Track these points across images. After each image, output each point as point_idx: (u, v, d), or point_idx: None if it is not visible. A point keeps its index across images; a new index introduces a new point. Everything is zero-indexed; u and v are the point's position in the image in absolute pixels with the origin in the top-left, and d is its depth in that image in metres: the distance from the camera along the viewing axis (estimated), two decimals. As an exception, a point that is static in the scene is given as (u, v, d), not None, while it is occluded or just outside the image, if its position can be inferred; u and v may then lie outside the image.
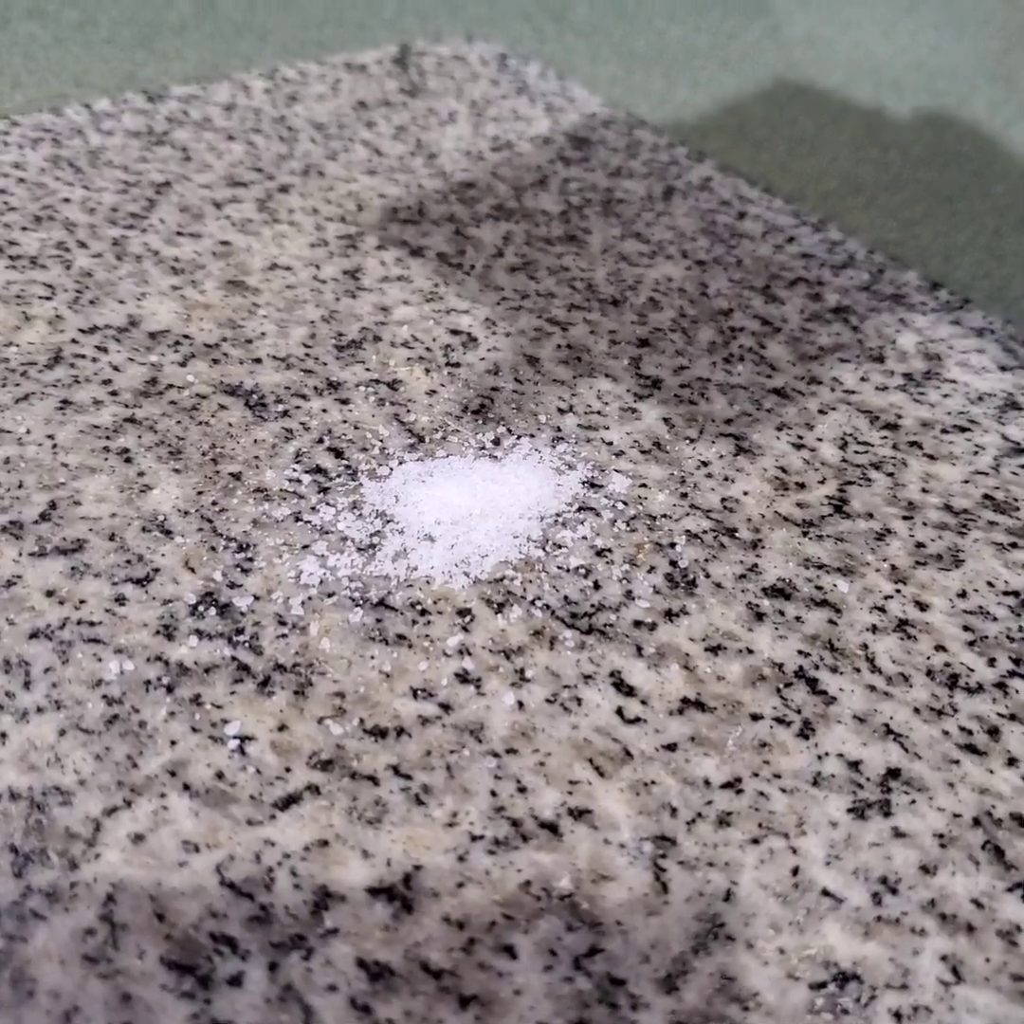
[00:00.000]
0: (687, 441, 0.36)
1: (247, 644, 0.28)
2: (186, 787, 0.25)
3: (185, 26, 0.61)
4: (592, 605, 0.30)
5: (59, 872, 0.23)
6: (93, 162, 0.47)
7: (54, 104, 0.51)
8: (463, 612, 0.29)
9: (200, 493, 0.32)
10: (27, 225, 0.42)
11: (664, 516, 0.33)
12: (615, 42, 0.65)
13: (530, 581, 0.30)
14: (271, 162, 0.48)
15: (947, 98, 0.62)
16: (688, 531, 0.32)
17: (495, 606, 0.30)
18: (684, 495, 0.34)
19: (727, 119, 0.57)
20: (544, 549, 0.31)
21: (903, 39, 0.69)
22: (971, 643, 0.30)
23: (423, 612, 0.29)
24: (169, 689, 0.27)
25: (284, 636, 0.28)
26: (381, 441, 0.34)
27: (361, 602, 0.29)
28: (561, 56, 0.62)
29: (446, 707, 0.27)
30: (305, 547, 0.31)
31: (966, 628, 0.31)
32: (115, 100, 0.52)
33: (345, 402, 0.36)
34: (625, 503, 0.33)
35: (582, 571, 0.31)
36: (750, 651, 0.29)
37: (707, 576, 0.31)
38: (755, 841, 0.25)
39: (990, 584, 0.32)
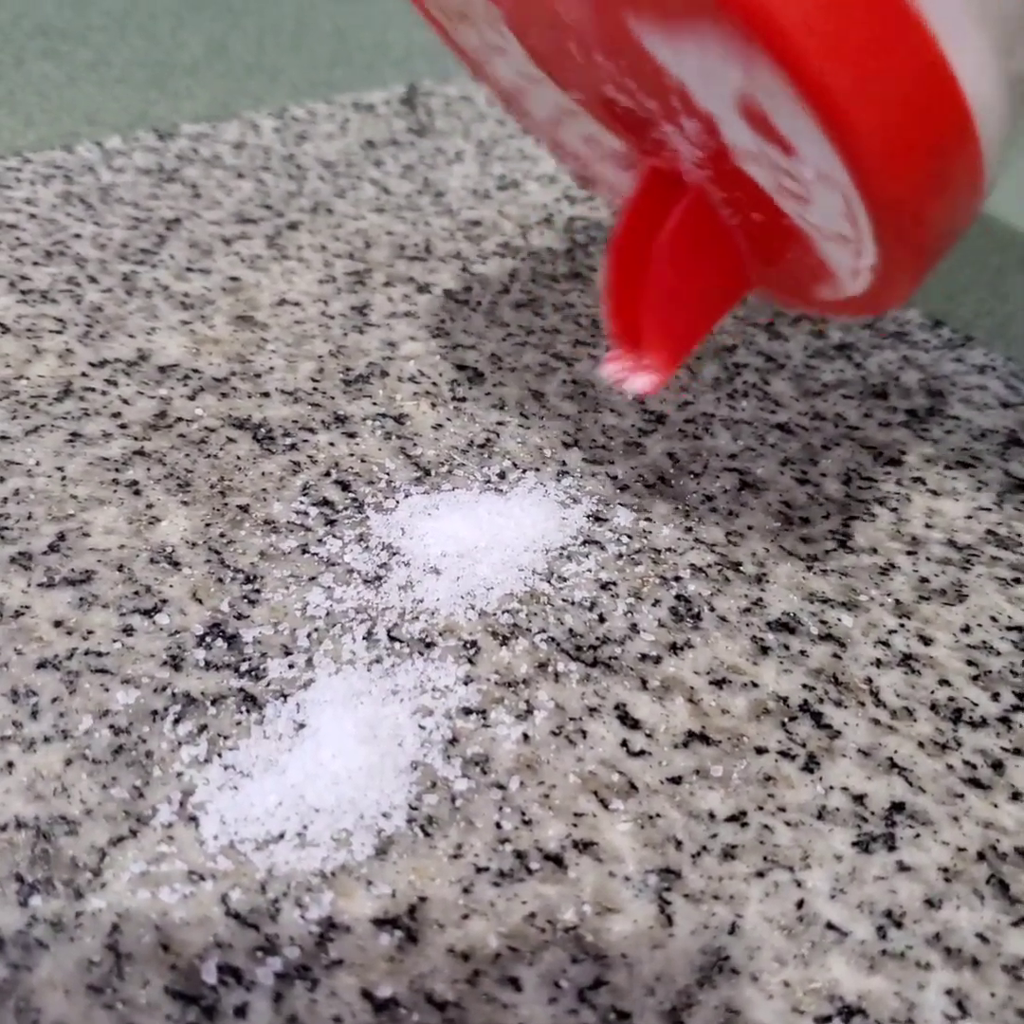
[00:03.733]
0: (691, 475, 0.36)
1: (253, 675, 0.28)
2: (192, 818, 0.25)
3: (196, 66, 0.61)
4: (597, 638, 0.30)
5: (64, 902, 0.23)
6: (104, 199, 0.47)
7: (66, 142, 0.52)
8: (468, 644, 0.30)
9: (208, 525, 0.32)
10: (38, 260, 0.43)
11: (669, 550, 0.33)
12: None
13: (535, 614, 0.31)
14: (280, 199, 0.49)
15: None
16: (693, 565, 0.33)
17: (500, 638, 0.30)
18: (688, 529, 0.34)
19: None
20: (549, 582, 0.32)
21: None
22: (975, 677, 0.30)
23: (429, 644, 0.29)
24: (176, 719, 0.27)
25: (291, 667, 0.28)
26: (388, 474, 0.35)
27: (367, 634, 0.29)
28: (567, 97, 0.63)
29: (452, 740, 0.27)
30: (312, 579, 0.31)
31: (970, 662, 0.31)
32: (126, 138, 0.52)
33: (352, 436, 0.36)
34: (630, 537, 0.33)
35: (587, 604, 0.31)
36: (755, 685, 0.29)
37: (712, 610, 0.31)
38: (760, 874, 0.25)
39: (993, 619, 0.32)
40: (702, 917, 0.24)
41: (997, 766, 0.28)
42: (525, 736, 0.27)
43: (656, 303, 0.30)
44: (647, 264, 0.30)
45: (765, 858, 0.25)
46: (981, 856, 0.26)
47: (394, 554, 0.32)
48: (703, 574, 0.32)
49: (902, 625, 0.32)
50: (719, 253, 0.30)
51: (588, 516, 0.34)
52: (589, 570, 0.32)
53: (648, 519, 0.34)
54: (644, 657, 0.30)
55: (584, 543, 0.33)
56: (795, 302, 0.33)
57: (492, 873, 0.25)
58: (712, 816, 0.26)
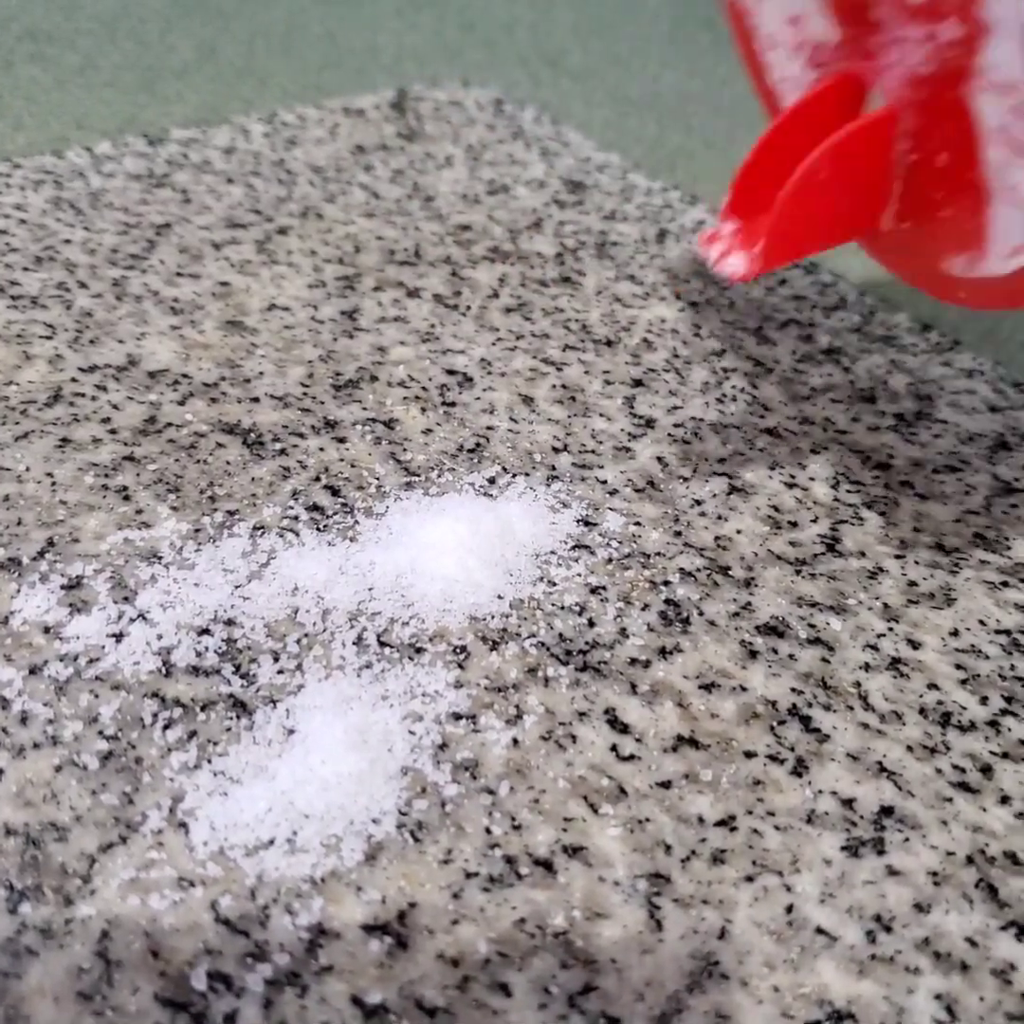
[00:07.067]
0: (681, 480, 0.36)
1: (243, 681, 0.28)
2: (182, 824, 0.25)
3: (186, 70, 0.61)
4: (586, 643, 0.30)
5: (54, 908, 0.23)
6: (94, 204, 0.47)
7: (56, 147, 0.52)
8: (458, 649, 0.30)
9: (197, 530, 0.32)
10: (28, 266, 0.43)
11: (658, 554, 0.33)
12: (609, 88, 0.66)
13: (525, 618, 0.31)
14: (270, 204, 0.49)
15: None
16: (682, 569, 0.33)
17: (490, 643, 0.30)
18: (677, 533, 0.34)
19: (719, 164, 0.58)
20: (539, 587, 0.32)
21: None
22: (963, 681, 0.30)
23: (418, 649, 0.29)
24: (166, 726, 0.27)
25: (280, 672, 0.28)
26: (377, 479, 0.35)
27: (357, 639, 0.29)
28: (556, 101, 0.63)
29: (442, 746, 0.27)
30: (300, 584, 0.31)
31: (958, 666, 0.31)
32: (116, 143, 0.52)
33: (342, 441, 0.36)
34: (619, 541, 0.33)
35: (576, 609, 0.31)
36: (744, 689, 0.30)
37: (701, 614, 0.31)
38: (749, 879, 0.25)
39: (982, 622, 0.32)
40: (691, 922, 0.24)
41: (986, 770, 0.28)
42: (515, 741, 0.28)
43: (790, 197, 0.29)
44: (794, 161, 0.29)
45: (754, 863, 0.26)
46: (970, 860, 0.26)
47: (383, 560, 0.32)
48: (692, 578, 0.33)
49: (890, 629, 0.32)
50: (871, 183, 0.30)
51: (577, 521, 0.34)
52: (578, 575, 0.32)
53: (637, 523, 0.34)
54: (633, 661, 0.30)
55: (573, 548, 0.33)
56: (908, 271, 0.32)
57: (482, 878, 0.25)
58: (701, 820, 0.26)
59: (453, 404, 0.38)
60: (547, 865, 0.25)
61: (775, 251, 0.30)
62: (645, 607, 0.31)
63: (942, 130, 0.27)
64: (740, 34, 0.34)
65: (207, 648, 0.29)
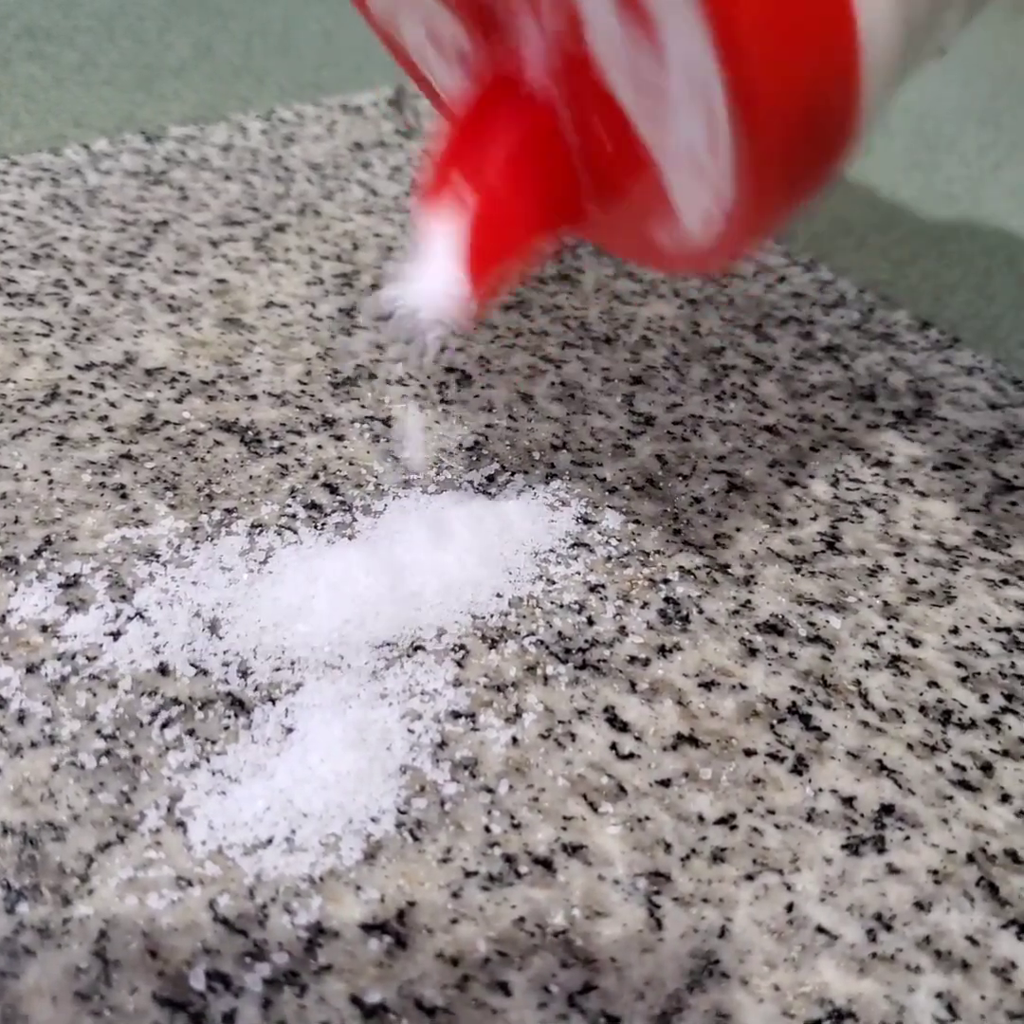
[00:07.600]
0: (680, 478, 0.36)
1: (242, 679, 0.28)
2: (180, 823, 0.25)
3: (184, 68, 0.61)
4: (586, 641, 0.30)
5: (52, 908, 0.23)
6: (91, 201, 0.47)
7: (53, 144, 0.52)
8: (457, 647, 0.29)
9: (195, 529, 0.32)
10: (25, 263, 0.43)
11: (657, 552, 0.33)
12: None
13: (524, 617, 0.31)
14: (268, 202, 0.49)
15: (936, 139, 0.63)
16: (681, 567, 0.33)
17: (489, 641, 0.30)
18: (677, 531, 0.34)
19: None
20: (538, 585, 0.31)
21: (892, 83, 0.70)
22: (964, 679, 0.30)
23: (417, 647, 0.29)
24: (164, 724, 0.27)
25: (278, 670, 0.28)
26: (375, 477, 0.34)
27: (355, 637, 0.29)
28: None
29: (441, 744, 0.27)
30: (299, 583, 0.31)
31: (959, 664, 0.31)
32: (113, 141, 0.52)
33: (340, 439, 0.36)
34: (618, 539, 0.33)
35: (576, 607, 0.31)
36: (743, 687, 0.29)
37: (700, 612, 0.31)
38: (749, 877, 0.25)
39: (982, 620, 0.32)
40: (692, 920, 0.24)
41: (986, 768, 0.28)
42: (514, 739, 0.27)
43: (481, 223, 0.27)
44: (476, 178, 0.27)
45: (754, 861, 0.25)
46: (970, 858, 0.26)
47: (382, 557, 0.32)
48: (691, 576, 0.32)
49: (891, 627, 0.32)
50: (556, 181, 0.28)
51: (577, 518, 0.34)
52: (578, 572, 0.32)
53: (636, 521, 0.34)
54: (633, 659, 0.30)
55: (573, 546, 0.33)
56: (630, 253, 0.31)
57: (481, 877, 0.25)
58: (701, 819, 0.26)
59: (452, 402, 0.38)
60: (546, 864, 0.25)
61: (484, 283, 0.28)
62: (644, 605, 0.31)
63: (594, 116, 0.26)
64: (394, 52, 0.32)
65: (206, 646, 0.29)
